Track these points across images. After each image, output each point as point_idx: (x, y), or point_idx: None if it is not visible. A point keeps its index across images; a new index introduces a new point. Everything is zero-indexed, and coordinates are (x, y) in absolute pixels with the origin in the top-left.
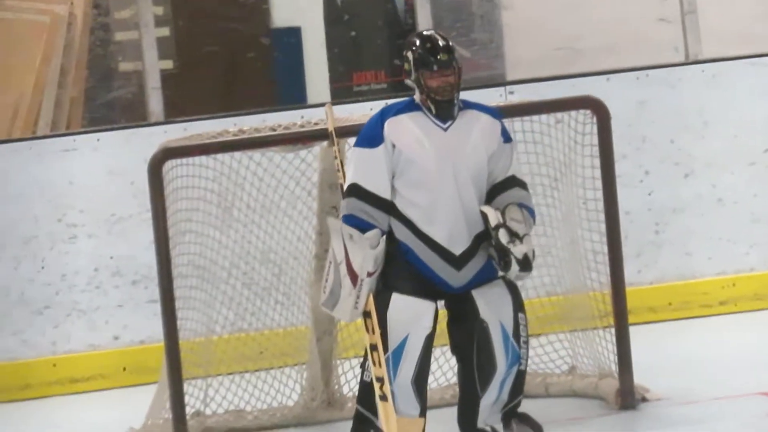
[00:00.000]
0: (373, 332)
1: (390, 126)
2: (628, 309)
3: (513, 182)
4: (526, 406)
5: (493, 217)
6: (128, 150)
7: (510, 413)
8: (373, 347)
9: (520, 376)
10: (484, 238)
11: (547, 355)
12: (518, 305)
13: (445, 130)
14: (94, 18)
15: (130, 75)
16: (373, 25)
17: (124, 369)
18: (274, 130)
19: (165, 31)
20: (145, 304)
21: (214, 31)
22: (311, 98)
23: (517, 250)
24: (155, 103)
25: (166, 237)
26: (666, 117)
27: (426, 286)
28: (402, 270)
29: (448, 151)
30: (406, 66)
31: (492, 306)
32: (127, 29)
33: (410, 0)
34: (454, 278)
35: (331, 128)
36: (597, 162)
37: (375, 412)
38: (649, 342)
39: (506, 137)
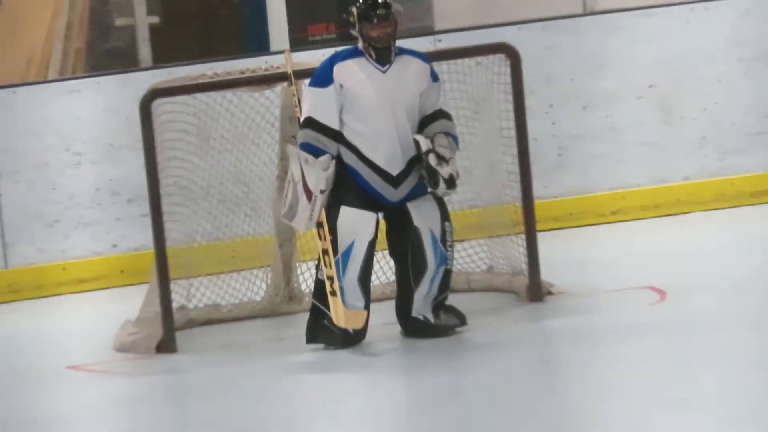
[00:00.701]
0: (325, 239)
1: (338, 69)
2: (536, 218)
3: (440, 114)
4: (453, 299)
5: (424, 144)
6: (123, 91)
7: (439, 305)
8: (325, 252)
9: (447, 274)
10: (417, 161)
11: (469, 257)
12: (445, 216)
13: (384, 72)
14: None
15: (124, 29)
16: None
17: (122, 272)
18: (243, 73)
19: None
20: (138, 218)
21: None
22: (273, 46)
23: (444, 171)
24: (145, 51)
25: (155, 163)
26: (567, 59)
27: (369, 201)
28: (349, 188)
29: (387, 90)
30: (351, 19)
31: (423, 216)
32: None
33: None
34: (391, 194)
35: (289, 71)
36: (510, 97)
37: (327, 306)
38: (553, 246)
39: (434, 77)
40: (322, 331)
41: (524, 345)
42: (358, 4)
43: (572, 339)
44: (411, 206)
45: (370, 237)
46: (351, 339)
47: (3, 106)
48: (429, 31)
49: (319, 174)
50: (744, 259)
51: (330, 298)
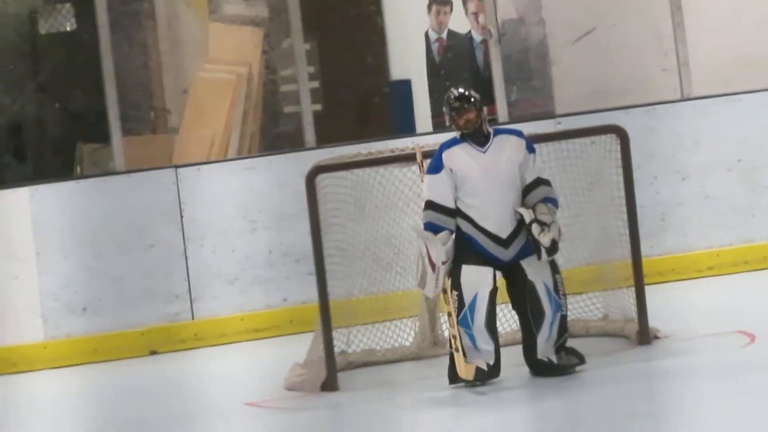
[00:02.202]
0: (449, 304)
1: (446, 156)
2: (644, 273)
3: (539, 182)
4: (573, 343)
5: (527, 216)
6: (291, 168)
7: (560, 347)
8: (449, 314)
9: (563, 319)
10: (524, 223)
11: (587, 306)
12: (555, 269)
13: (485, 152)
14: (266, 75)
15: (292, 115)
16: (462, 76)
17: (291, 322)
18: (393, 152)
19: (316, 84)
20: (305, 275)
21: (350, 82)
22: (419, 129)
23: (546, 239)
24: (310, 134)
25: (319, 228)
26: (667, 138)
27: (485, 260)
28: (468, 251)
29: (489, 167)
30: (445, 113)
31: (536, 271)
32: (289, 83)
33: (488, 58)
34: (503, 254)
35: (419, 161)
36: (620, 171)
37: (465, 354)
38: (659, 296)
39: (530, 149)
40: None
41: (635, 381)
42: (445, 101)
43: (676, 376)
44: (524, 263)
45: (490, 287)
46: (486, 375)
47: (189, 181)
48: (551, 115)
49: (439, 248)
50: None
51: (454, 354)
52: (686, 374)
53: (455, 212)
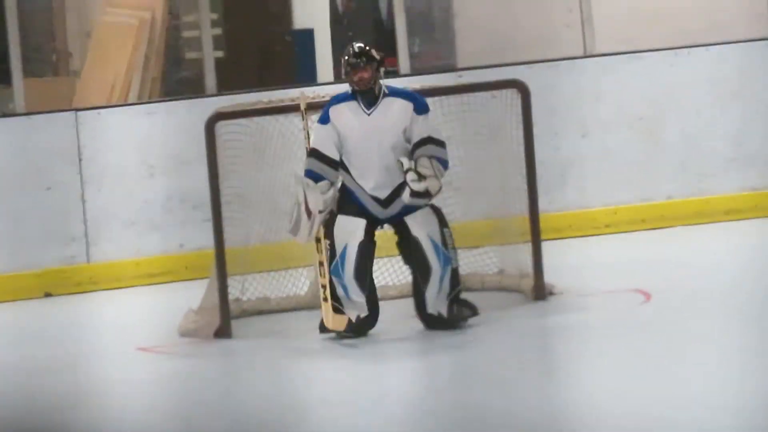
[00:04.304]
0: (321, 253)
1: (333, 112)
2: (541, 229)
3: (427, 141)
4: (468, 297)
5: (406, 164)
6: (192, 114)
7: (453, 300)
8: (321, 264)
9: (455, 272)
10: (405, 185)
11: (483, 260)
12: (443, 223)
13: (369, 114)
14: (168, 21)
15: (194, 61)
16: (365, 27)
17: (186, 268)
18: (294, 101)
19: (218, 31)
20: (202, 222)
21: (252, 31)
22: (320, 78)
23: (417, 186)
24: (211, 81)
25: (217, 175)
26: (569, 94)
27: (363, 214)
28: (347, 201)
29: (371, 130)
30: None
31: (420, 225)
32: (192, 29)
33: (390, 11)
34: (381, 213)
35: (302, 108)
36: (521, 125)
37: (342, 304)
38: (556, 252)
39: (420, 111)
40: None
41: (528, 337)
42: (342, 56)
43: (570, 332)
44: (408, 219)
45: (359, 239)
46: (355, 328)
47: (89, 124)
48: (452, 68)
49: (317, 197)
50: (718, 268)
51: (322, 303)
52: (580, 331)
53: (338, 164)
